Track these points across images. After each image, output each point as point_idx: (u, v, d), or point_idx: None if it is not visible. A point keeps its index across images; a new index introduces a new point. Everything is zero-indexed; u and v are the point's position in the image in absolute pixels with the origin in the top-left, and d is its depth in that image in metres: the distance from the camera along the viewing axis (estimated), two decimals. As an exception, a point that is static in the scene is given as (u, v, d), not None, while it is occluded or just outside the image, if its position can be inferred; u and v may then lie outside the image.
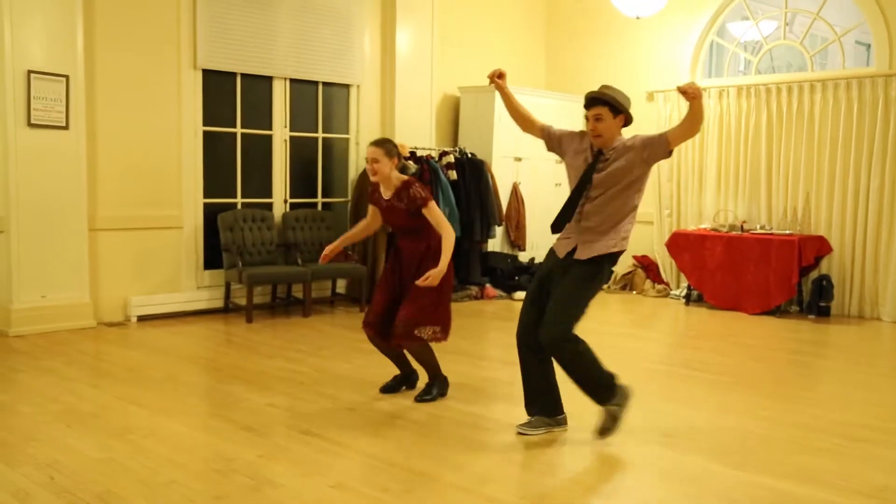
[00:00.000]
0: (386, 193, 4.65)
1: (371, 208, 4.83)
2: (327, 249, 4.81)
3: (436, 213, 4.54)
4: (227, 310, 7.46)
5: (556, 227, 4.08)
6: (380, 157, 4.56)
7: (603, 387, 3.99)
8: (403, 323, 4.48)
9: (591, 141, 4.01)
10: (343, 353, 5.94)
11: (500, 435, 4.18)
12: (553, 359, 4.00)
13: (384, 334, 4.62)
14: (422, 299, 4.47)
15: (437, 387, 4.75)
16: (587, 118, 3.98)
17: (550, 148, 4.25)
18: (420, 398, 4.68)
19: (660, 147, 3.90)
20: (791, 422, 4.46)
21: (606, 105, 3.92)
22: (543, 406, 4.15)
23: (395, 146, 4.68)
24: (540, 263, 4.31)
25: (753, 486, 3.50)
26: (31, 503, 3.20)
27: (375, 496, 3.32)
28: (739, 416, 4.54)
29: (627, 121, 4.01)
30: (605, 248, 3.97)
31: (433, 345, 4.65)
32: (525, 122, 4.26)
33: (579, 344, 3.92)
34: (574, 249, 4.00)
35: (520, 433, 4.11)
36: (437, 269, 4.35)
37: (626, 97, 4.01)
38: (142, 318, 6.96)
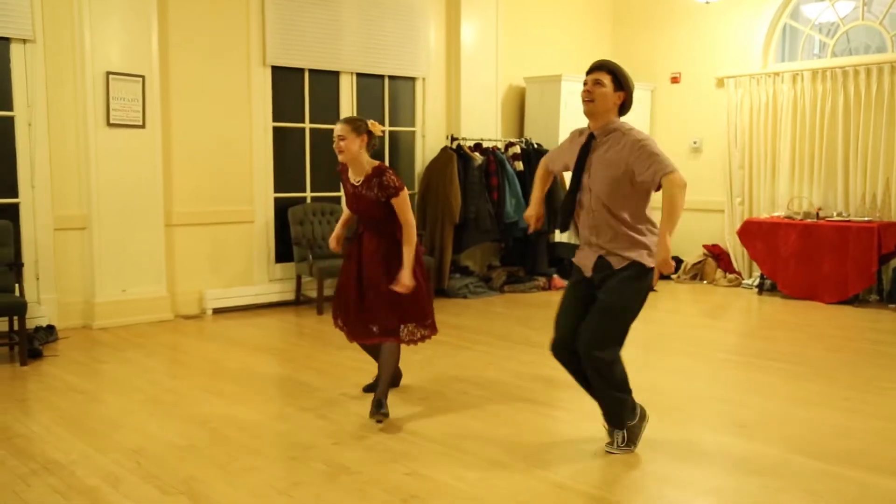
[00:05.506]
0: (355, 178, 4.29)
1: None
2: (333, 237, 4.56)
3: (405, 206, 4.21)
4: (299, 302, 7.60)
5: (563, 226, 3.84)
6: (346, 133, 4.20)
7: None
8: (383, 322, 4.23)
9: (585, 113, 3.71)
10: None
11: (572, 423, 4.19)
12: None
13: (359, 333, 4.34)
14: (398, 296, 4.16)
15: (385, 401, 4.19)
16: (585, 83, 3.70)
17: (560, 169, 3.98)
18: (375, 413, 4.12)
19: (644, 176, 3.54)
20: (872, 413, 4.33)
21: (611, 74, 3.67)
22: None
23: (365, 123, 4.28)
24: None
25: (836, 478, 3.42)
26: (122, 487, 3.34)
27: (450, 483, 3.36)
28: (817, 407, 4.43)
29: (626, 103, 3.71)
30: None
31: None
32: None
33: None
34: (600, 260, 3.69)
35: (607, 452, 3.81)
36: (403, 272, 4.12)
37: (631, 79, 3.73)
38: (217, 311, 7.15)
